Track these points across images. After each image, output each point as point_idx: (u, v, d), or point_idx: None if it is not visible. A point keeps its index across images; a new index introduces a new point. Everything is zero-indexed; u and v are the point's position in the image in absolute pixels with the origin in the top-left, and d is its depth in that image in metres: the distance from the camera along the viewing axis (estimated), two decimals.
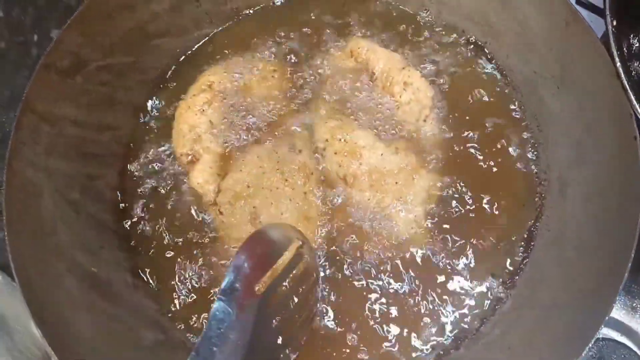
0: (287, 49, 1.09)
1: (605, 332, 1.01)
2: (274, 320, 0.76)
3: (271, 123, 1.02)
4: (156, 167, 1.01)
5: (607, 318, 0.74)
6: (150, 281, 0.93)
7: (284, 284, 0.79)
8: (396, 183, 0.94)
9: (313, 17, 1.12)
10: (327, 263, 0.92)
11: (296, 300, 0.80)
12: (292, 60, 1.08)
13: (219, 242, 0.94)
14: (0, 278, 1.01)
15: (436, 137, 1.00)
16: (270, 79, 1.06)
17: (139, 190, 0.99)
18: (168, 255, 0.95)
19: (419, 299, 0.90)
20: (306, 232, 0.91)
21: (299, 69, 1.07)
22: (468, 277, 0.92)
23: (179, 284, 0.93)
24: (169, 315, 0.91)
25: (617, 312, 1.02)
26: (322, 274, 0.91)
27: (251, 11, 1.13)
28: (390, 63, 1.04)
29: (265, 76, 1.06)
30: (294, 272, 0.81)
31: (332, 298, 0.91)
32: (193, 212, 0.97)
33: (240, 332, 0.71)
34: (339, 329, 0.89)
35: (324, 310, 0.90)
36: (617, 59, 0.83)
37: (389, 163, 0.95)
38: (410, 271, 0.92)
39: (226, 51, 1.09)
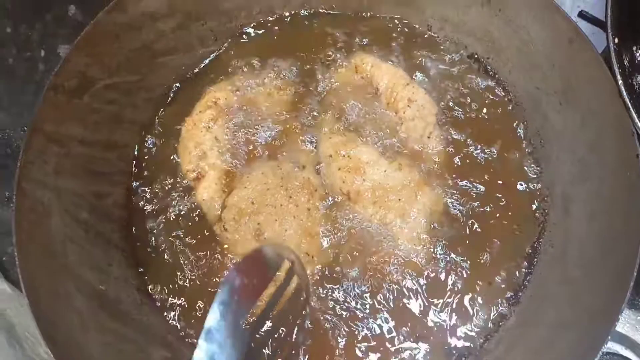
0: (292, 65, 1.09)
1: (610, 345, 1.01)
2: (262, 332, 0.81)
3: (276, 139, 1.03)
4: (163, 184, 1.02)
5: (610, 335, 0.75)
6: (158, 298, 0.94)
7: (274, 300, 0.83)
8: (399, 200, 0.95)
9: (318, 33, 1.13)
10: (330, 277, 0.93)
11: (284, 314, 0.84)
12: (297, 77, 1.09)
13: (225, 258, 0.95)
14: (9, 288, 1.02)
15: (440, 154, 1.01)
16: (275, 95, 1.07)
17: (147, 207, 1.00)
18: (175, 272, 0.96)
19: (423, 314, 0.91)
20: (310, 248, 0.93)
21: (304, 85, 1.08)
22: (472, 294, 0.92)
23: (186, 300, 0.94)
24: (177, 332, 0.92)
25: (622, 326, 1.02)
26: (325, 287, 0.93)
27: (256, 29, 1.14)
28: (394, 79, 1.04)
29: (271, 92, 1.07)
30: (285, 290, 0.84)
31: (339, 311, 0.92)
32: (200, 228, 0.98)
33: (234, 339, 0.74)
34: (343, 342, 0.90)
35: (328, 324, 0.91)
36: (619, 77, 0.84)
37: (392, 179, 0.96)
38: (414, 287, 0.92)
39: (230, 69, 1.10)
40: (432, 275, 0.93)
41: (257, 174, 0.99)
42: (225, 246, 0.96)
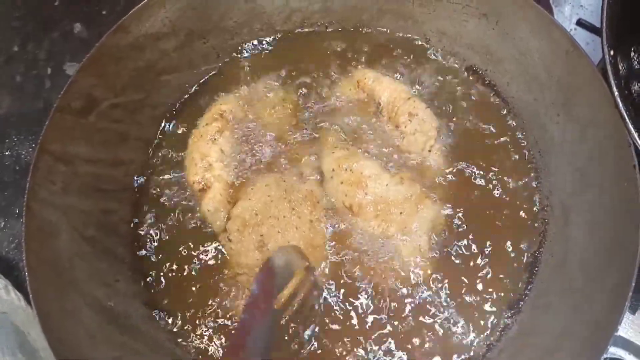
0: (295, 79, 1.11)
1: (614, 351, 1.01)
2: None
3: (280, 152, 1.05)
4: (168, 199, 1.04)
5: (610, 342, 0.76)
6: (165, 313, 0.96)
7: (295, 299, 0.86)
8: (401, 213, 0.96)
9: (318, 49, 1.15)
10: (332, 288, 0.95)
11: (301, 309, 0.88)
12: (301, 91, 1.10)
13: (229, 270, 0.97)
14: (21, 300, 1.04)
15: (441, 168, 1.02)
16: (280, 108, 1.09)
17: (153, 222, 1.02)
18: (183, 286, 0.97)
19: (424, 327, 0.92)
20: (312, 260, 0.94)
21: (307, 99, 1.10)
22: (473, 304, 0.94)
23: (193, 314, 0.95)
24: (184, 346, 0.94)
25: (625, 331, 1.02)
26: (326, 297, 0.94)
27: (257, 44, 1.16)
28: (395, 93, 1.06)
29: (275, 106, 1.09)
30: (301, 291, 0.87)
31: (338, 323, 0.93)
32: (206, 242, 1.00)
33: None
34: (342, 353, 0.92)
35: (327, 337, 0.93)
36: (615, 89, 0.84)
37: (394, 193, 0.97)
38: (415, 299, 0.94)
39: (234, 83, 1.12)
40: (433, 287, 0.94)
41: (261, 186, 1.01)
42: (229, 256, 0.98)
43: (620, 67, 0.90)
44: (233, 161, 1.04)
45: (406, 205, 0.97)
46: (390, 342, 0.92)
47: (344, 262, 0.96)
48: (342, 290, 0.95)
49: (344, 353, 0.91)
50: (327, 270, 0.96)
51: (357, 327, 0.93)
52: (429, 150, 1.02)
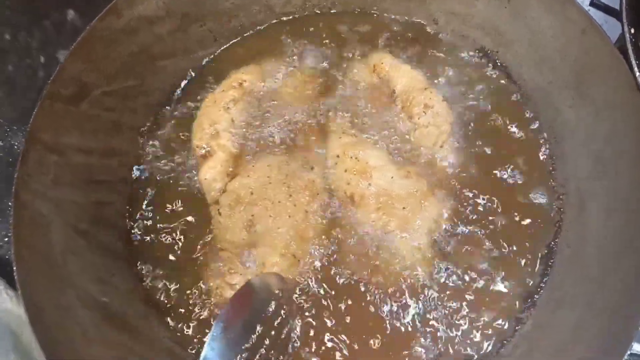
0: (308, 62, 1.08)
1: (637, 348, 0.97)
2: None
3: (290, 134, 1.01)
4: (166, 189, 1.00)
5: (635, 336, 0.72)
6: (163, 309, 0.92)
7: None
8: (404, 208, 0.92)
9: (322, 32, 1.11)
10: (321, 286, 0.90)
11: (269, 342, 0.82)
12: (315, 73, 1.07)
13: (229, 266, 0.93)
14: (13, 300, 1.00)
15: (452, 165, 0.98)
16: (296, 90, 1.05)
17: (149, 215, 0.98)
18: (179, 281, 0.93)
19: (435, 324, 0.88)
20: (297, 251, 0.91)
21: (321, 82, 1.06)
22: (485, 299, 0.89)
23: (190, 309, 0.91)
24: (183, 343, 0.90)
25: None
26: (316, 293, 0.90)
27: (255, 28, 1.12)
28: (412, 82, 1.01)
29: (293, 86, 1.06)
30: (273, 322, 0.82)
31: (324, 320, 0.89)
32: (204, 237, 0.96)
33: None
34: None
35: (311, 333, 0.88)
36: (636, 69, 0.80)
37: (399, 187, 0.93)
38: (418, 298, 0.89)
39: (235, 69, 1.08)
40: (436, 285, 0.90)
41: (263, 165, 0.97)
42: (215, 229, 0.94)
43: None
44: (241, 134, 1.01)
45: (410, 200, 0.92)
46: (384, 341, 0.87)
47: (334, 256, 0.92)
48: (328, 285, 0.90)
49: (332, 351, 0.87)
50: (315, 264, 0.91)
51: (354, 325, 0.88)
52: (441, 146, 0.98)
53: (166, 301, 0.92)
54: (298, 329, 0.88)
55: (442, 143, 0.98)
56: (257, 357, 0.77)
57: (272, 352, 0.81)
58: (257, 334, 0.78)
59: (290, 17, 1.12)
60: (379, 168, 0.94)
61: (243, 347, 0.76)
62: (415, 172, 0.95)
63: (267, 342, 0.80)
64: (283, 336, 0.84)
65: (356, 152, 0.96)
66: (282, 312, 0.83)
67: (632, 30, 0.82)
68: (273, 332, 0.81)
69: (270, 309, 0.81)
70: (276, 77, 1.06)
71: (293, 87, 1.06)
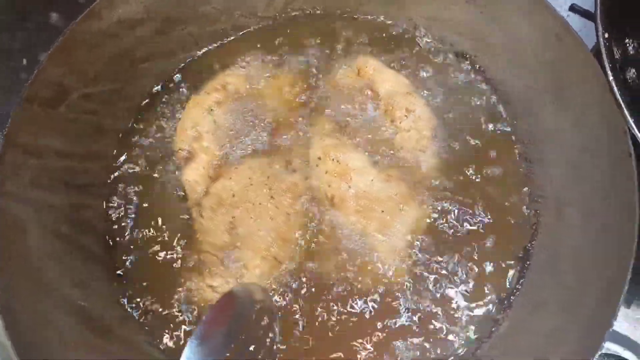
0: (292, 65, 1.08)
1: (609, 346, 0.99)
2: None
3: (273, 137, 1.02)
4: (146, 194, 0.99)
5: (605, 338, 0.73)
6: (142, 313, 0.92)
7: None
8: (382, 211, 0.92)
9: (309, 35, 1.11)
10: (301, 288, 0.91)
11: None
12: (299, 76, 1.07)
13: (210, 269, 0.92)
14: None
15: (431, 169, 0.98)
16: (280, 93, 1.05)
17: (128, 219, 0.98)
18: (160, 284, 0.93)
19: (412, 325, 0.88)
20: (279, 253, 0.91)
21: (305, 85, 1.06)
22: (462, 300, 0.90)
23: (171, 315, 0.91)
24: (162, 347, 0.89)
25: (619, 325, 0.99)
26: (289, 295, 0.90)
27: (238, 31, 1.12)
28: (396, 87, 1.02)
29: (276, 89, 1.06)
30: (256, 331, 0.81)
31: (303, 323, 0.89)
32: (182, 241, 0.95)
33: None
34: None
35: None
36: (609, 73, 0.81)
37: (379, 190, 0.93)
38: (395, 300, 0.89)
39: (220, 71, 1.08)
40: (413, 287, 0.90)
41: (245, 168, 0.97)
42: (198, 232, 0.94)
43: (614, 52, 0.87)
44: (224, 136, 1.01)
45: (389, 203, 0.93)
46: (365, 344, 0.88)
47: (313, 257, 0.92)
48: (313, 289, 0.90)
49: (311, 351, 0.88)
50: (295, 267, 0.92)
51: (326, 327, 0.88)
52: (422, 150, 0.98)
53: (146, 305, 0.92)
54: (277, 329, 0.88)
55: (423, 147, 0.98)
56: None
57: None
58: (239, 342, 0.77)
59: (272, 22, 1.12)
60: (360, 171, 0.94)
61: (224, 357, 0.75)
62: (395, 175, 0.96)
63: (250, 350, 0.80)
64: (267, 345, 0.83)
65: (337, 154, 0.96)
66: (265, 320, 0.84)
67: (606, 35, 0.83)
68: (255, 342, 0.81)
69: (253, 317, 0.81)
70: (259, 80, 1.06)
71: (276, 89, 1.06)
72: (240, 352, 0.76)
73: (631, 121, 0.79)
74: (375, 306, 0.89)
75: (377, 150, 0.99)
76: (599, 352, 0.72)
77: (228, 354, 0.74)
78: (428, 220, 0.94)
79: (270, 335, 0.83)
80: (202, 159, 0.99)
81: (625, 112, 0.79)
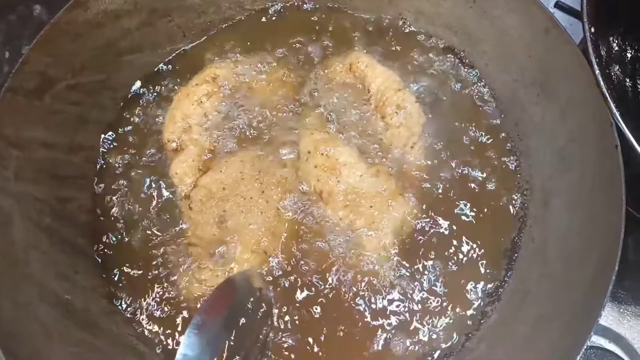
0: (283, 58, 1.08)
1: (594, 339, 1.00)
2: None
3: (264, 130, 1.01)
4: (130, 187, 0.98)
5: (594, 329, 0.73)
6: (127, 307, 0.91)
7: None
8: (371, 207, 0.92)
9: (299, 28, 1.10)
10: (288, 281, 0.90)
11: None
12: (289, 69, 1.06)
13: (197, 264, 0.92)
14: None
15: (420, 166, 0.98)
16: (270, 85, 1.05)
17: (113, 211, 0.97)
18: (144, 278, 0.92)
19: (400, 317, 0.89)
20: (268, 247, 0.91)
21: (295, 78, 1.06)
22: (451, 292, 0.90)
23: (156, 308, 0.90)
24: (148, 341, 0.89)
25: (605, 319, 1.00)
26: (280, 288, 0.90)
27: (227, 23, 1.11)
28: (387, 83, 1.01)
29: (266, 82, 1.05)
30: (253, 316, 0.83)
31: (293, 316, 0.89)
32: (169, 233, 0.95)
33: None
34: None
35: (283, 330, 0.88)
36: (596, 67, 0.82)
37: (367, 185, 0.93)
38: (383, 293, 0.90)
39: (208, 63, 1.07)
40: (401, 281, 0.90)
41: (236, 160, 0.97)
42: (187, 225, 0.94)
43: (600, 49, 0.88)
44: (213, 129, 1.00)
45: (377, 199, 0.92)
46: (356, 335, 0.88)
47: (302, 252, 0.92)
48: (296, 280, 0.90)
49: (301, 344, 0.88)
50: (285, 261, 0.91)
51: (311, 319, 0.89)
52: (411, 147, 0.98)
53: (132, 298, 0.91)
54: (274, 319, 0.88)
55: (413, 144, 0.98)
56: (239, 357, 0.76)
57: (252, 350, 0.80)
58: (238, 329, 0.76)
59: (261, 14, 1.11)
60: (349, 166, 0.94)
61: (222, 345, 0.74)
62: (384, 171, 0.95)
63: (247, 338, 0.79)
64: (264, 333, 0.83)
65: (327, 148, 0.96)
66: (263, 308, 0.83)
67: (592, 29, 0.83)
68: (254, 330, 0.80)
69: (251, 305, 0.80)
70: (249, 72, 1.05)
71: (266, 82, 1.05)
72: (239, 341, 0.75)
73: (617, 114, 0.80)
74: (363, 301, 0.89)
75: (366, 145, 0.99)
76: (587, 342, 0.72)
77: (227, 343, 0.73)
78: (417, 215, 0.94)
79: (269, 322, 0.83)
80: (191, 151, 0.98)
81: (612, 104, 0.80)
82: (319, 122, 1.01)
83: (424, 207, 0.95)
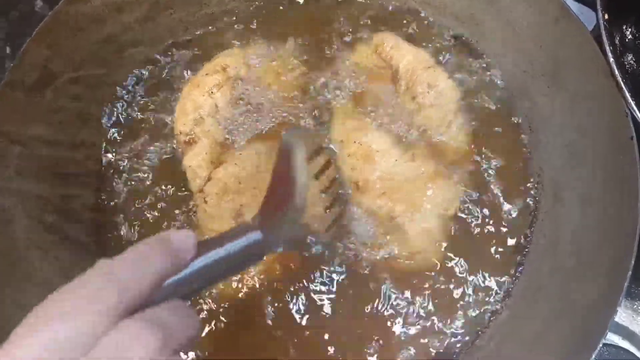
0: (301, 46, 1.04)
1: (611, 337, 0.98)
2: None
3: (281, 120, 0.98)
4: (135, 183, 0.97)
5: (609, 327, 0.71)
6: None
7: None
8: (409, 192, 0.89)
9: (299, 16, 1.08)
10: (320, 275, 0.89)
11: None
12: (308, 57, 1.03)
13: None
14: None
15: (458, 145, 0.95)
16: (286, 75, 1.01)
17: (118, 208, 0.95)
18: None
19: (411, 311, 0.87)
20: None
21: (316, 65, 1.02)
22: (462, 290, 0.88)
23: None
24: None
25: (618, 316, 0.97)
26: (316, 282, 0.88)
27: (232, 16, 1.08)
28: (415, 62, 0.97)
29: (281, 71, 1.02)
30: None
31: (325, 310, 0.87)
32: (182, 227, 0.93)
33: None
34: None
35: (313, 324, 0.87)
36: (610, 56, 0.80)
37: (404, 170, 0.90)
38: (405, 284, 0.88)
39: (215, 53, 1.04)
40: (432, 273, 0.89)
41: (251, 153, 0.94)
42: (201, 219, 0.92)
43: (614, 37, 0.85)
44: (226, 120, 0.97)
45: (416, 183, 0.89)
46: (372, 331, 0.86)
47: (332, 245, 0.89)
48: (328, 273, 0.89)
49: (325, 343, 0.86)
50: (313, 252, 0.89)
51: (341, 311, 0.87)
52: (447, 126, 0.94)
53: None
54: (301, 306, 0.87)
55: (448, 123, 0.95)
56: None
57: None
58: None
59: (266, 4, 1.09)
60: (383, 152, 0.91)
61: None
62: (420, 154, 0.92)
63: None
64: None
65: (359, 136, 0.93)
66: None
67: (606, 16, 0.81)
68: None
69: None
70: (261, 62, 1.02)
71: (279, 72, 1.02)
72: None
73: (633, 104, 0.77)
74: (387, 291, 0.88)
75: (399, 129, 0.95)
76: (603, 340, 0.70)
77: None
78: (456, 202, 0.92)
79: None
80: (204, 143, 0.94)
81: (627, 93, 0.77)
82: (349, 109, 0.98)
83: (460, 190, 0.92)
